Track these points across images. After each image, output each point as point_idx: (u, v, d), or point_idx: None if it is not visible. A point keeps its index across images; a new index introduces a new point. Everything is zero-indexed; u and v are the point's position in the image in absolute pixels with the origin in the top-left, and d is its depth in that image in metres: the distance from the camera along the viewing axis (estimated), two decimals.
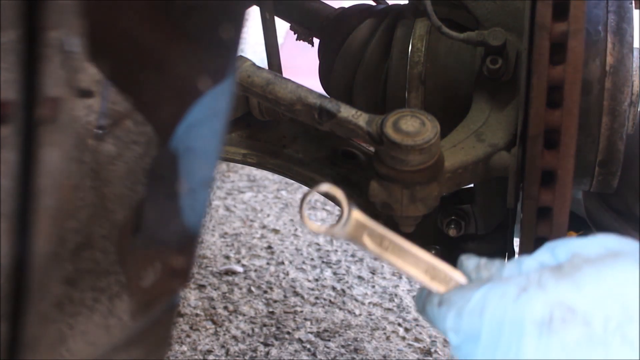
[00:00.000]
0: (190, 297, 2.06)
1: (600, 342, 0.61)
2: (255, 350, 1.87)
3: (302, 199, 0.73)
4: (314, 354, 1.87)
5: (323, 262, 2.26)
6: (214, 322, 1.97)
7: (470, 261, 0.73)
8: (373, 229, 0.75)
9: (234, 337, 1.91)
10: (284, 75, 1.19)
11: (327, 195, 0.75)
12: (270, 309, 2.03)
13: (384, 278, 2.19)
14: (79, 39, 0.53)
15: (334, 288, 2.14)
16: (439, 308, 0.70)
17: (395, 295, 2.11)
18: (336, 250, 2.32)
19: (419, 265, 0.74)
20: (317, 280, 2.17)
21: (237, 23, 0.65)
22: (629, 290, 0.62)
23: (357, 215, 0.75)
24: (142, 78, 0.60)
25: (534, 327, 0.63)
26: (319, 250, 2.32)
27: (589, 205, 1.48)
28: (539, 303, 0.63)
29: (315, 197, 2.58)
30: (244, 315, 2.00)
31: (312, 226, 0.74)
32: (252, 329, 1.95)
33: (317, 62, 1.41)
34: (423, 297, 0.73)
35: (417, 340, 1.93)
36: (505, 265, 0.71)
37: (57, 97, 0.53)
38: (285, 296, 2.09)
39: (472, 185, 1.26)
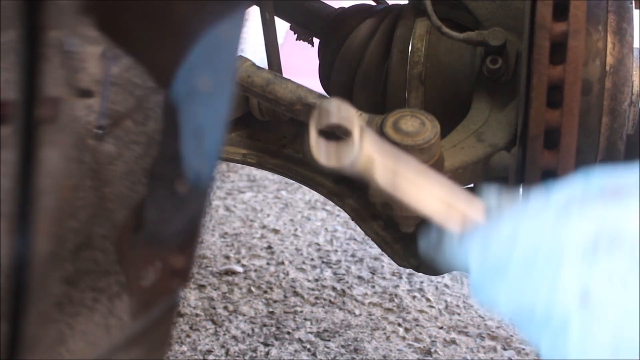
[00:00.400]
0: (190, 297, 2.06)
1: None
2: (255, 350, 1.87)
3: (311, 124, 0.66)
4: (314, 354, 1.87)
5: (323, 262, 2.26)
6: (214, 322, 1.97)
7: (490, 194, 0.68)
8: (386, 160, 0.68)
9: (234, 337, 1.91)
10: (284, 75, 1.19)
11: (338, 113, 0.68)
12: (270, 309, 2.03)
13: (384, 278, 2.19)
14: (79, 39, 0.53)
15: (334, 288, 2.14)
16: (461, 242, 0.65)
17: (395, 295, 2.11)
18: (336, 251, 2.32)
19: (434, 201, 0.68)
20: (317, 280, 2.17)
21: (237, 23, 0.65)
22: None
23: (369, 141, 0.67)
24: (139, 22, 0.60)
25: (576, 253, 0.58)
26: (319, 250, 2.32)
27: None
28: (582, 227, 0.59)
29: (315, 196, 2.58)
30: (244, 315, 2.00)
31: (322, 156, 0.66)
32: (252, 329, 1.95)
33: (317, 62, 1.41)
34: (436, 236, 0.68)
35: (417, 340, 1.93)
36: (531, 197, 0.66)
37: (57, 97, 0.53)
38: (285, 296, 2.09)
39: (472, 185, 1.26)
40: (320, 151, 0.66)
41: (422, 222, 1.20)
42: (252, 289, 2.12)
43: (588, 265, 0.58)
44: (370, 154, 0.67)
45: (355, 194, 1.32)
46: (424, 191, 0.68)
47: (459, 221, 0.68)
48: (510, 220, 0.64)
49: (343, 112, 0.66)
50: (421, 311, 2.04)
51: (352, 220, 1.35)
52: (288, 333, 1.94)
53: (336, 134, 0.66)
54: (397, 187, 0.68)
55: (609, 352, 0.57)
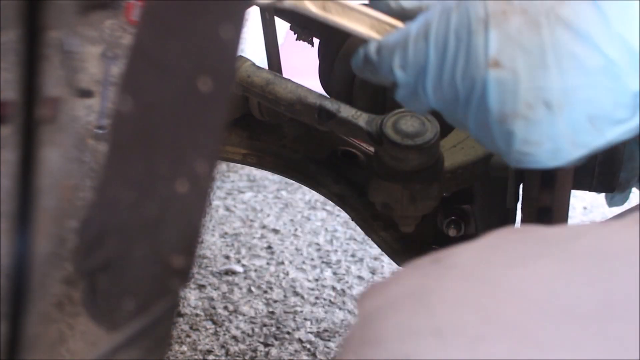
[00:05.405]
0: (190, 297, 2.06)
1: (538, 24, 0.65)
2: (255, 351, 1.87)
3: None
4: (314, 354, 1.87)
5: (323, 262, 2.26)
6: (214, 322, 1.97)
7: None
8: None
9: (234, 337, 1.91)
10: (284, 75, 1.19)
11: None
12: (270, 309, 2.03)
13: (384, 278, 2.19)
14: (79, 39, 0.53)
15: (334, 288, 2.14)
16: (383, 51, 0.71)
17: None
18: (336, 251, 2.32)
19: (364, 21, 0.74)
20: (317, 280, 2.17)
21: (237, 23, 0.65)
22: None
23: None
24: None
25: (479, 25, 0.65)
26: (319, 250, 2.32)
27: None
28: (479, 3, 0.66)
29: (315, 196, 2.58)
30: (244, 315, 2.00)
31: None
32: (252, 329, 1.95)
33: (317, 62, 1.41)
34: (362, 52, 0.74)
35: None
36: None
37: (57, 97, 0.53)
38: (285, 296, 2.09)
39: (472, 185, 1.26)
40: None
41: (421, 222, 1.20)
42: (252, 289, 2.12)
43: (491, 31, 0.65)
44: None
45: (355, 194, 1.32)
46: (353, 11, 0.74)
47: (388, 32, 0.73)
48: (419, 18, 0.70)
49: None
50: None
51: (352, 220, 1.35)
52: (288, 333, 1.94)
53: None
54: (327, 11, 0.75)
55: (523, 104, 0.65)
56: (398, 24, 0.73)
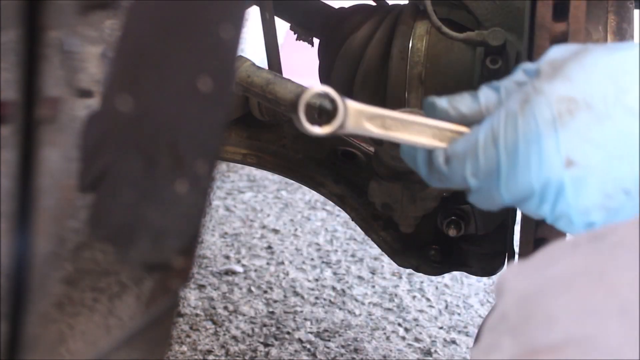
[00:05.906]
0: (190, 297, 2.06)
1: (606, 117, 0.66)
2: (255, 351, 1.87)
3: (297, 103, 0.73)
4: (314, 354, 1.87)
5: (323, 262, 2.26)
6: (214, 322, 1.97)
7: (459, 103, 0.74)
8: (372, 112, 0.75)
9: (234, 337, 1.91)
10: (284, 75, 1.19)
11: (320, 96, 0.74)
12: (270, 309, 2.03)
13: (384, 278, 2.19)
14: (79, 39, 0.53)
15: (334, 288, 2.14)
16: (451, 160, 0.72)
17: (395, 295, 2.11)
18: (336, 250, 2.32)
19: (425, 132, 0.74)
20: (317, 280, 2.17)
21: (237, 23, 0.65)
22: (614, 67, 0.67)
23: (353, 104, 0.74)
24: None
25: (547, 127, 0.67)
26: (319, 250, 2.32)
27: None
28: (544, 105, 0.67)
29: (315, 196, 2.58)
30: (244, 315, 2.00)
31: (313, 129, 0.74)
32: (252, 329, 1.95)
33: (317, 62, 1.41)
34: (423, 159, 0.75)
35: (417, 340, 1.93)
36: (480, 94, 0.73)
37: (57, 97, 0.53)
38: (285, 296, 2.09)
39: None
40: (312, 125, 0.74)
41: (421, 222, 1.20)
42: (252, 289, 2.12)
43: (561, 132, 0.66)
44: (355, 107, 0.74)
45: (355, 194, 1.32)
46: (414, 125, 0.74)
47: (450, 139, 0.74)
48: (484, 124, 0.71)
49: (319, 88, 0.74)
50: (421, 311, 2.04)
51: (352, 220, 1.35)
52: (288, 333, 1.94)
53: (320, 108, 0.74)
54: (388, 129, 0.75)
55: (602, 196, 0.67)
56: (461, 129, 0.73)
